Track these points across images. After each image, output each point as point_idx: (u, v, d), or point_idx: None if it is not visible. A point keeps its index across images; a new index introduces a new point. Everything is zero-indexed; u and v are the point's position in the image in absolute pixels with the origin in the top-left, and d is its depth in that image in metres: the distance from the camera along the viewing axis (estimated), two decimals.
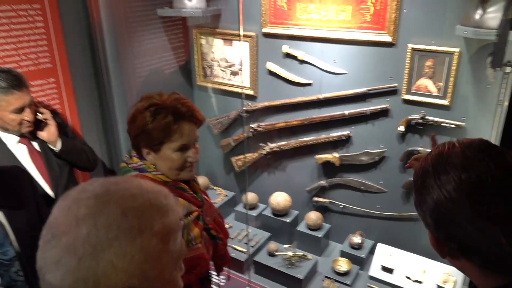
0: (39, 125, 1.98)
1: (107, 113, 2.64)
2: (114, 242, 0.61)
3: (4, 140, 1.87)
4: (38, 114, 1.96)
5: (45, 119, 1.98)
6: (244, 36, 2.80)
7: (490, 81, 2.10)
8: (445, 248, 0.80)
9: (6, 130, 1.86)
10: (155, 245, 0.65)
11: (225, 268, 1.87)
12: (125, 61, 2.68)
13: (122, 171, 1.53)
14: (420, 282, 2.38)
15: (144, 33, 2.79)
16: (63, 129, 2.15)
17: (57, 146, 2.00)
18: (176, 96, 1.50)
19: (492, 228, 0.71)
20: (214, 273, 1.84)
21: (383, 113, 2.48)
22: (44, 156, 1.96)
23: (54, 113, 2.15)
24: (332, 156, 2.67)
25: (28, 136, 1.95)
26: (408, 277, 2.42)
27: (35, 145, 1.98)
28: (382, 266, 2.50)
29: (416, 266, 2.45)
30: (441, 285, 2.31)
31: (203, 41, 3.06)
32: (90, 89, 2.55)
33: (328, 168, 2.77)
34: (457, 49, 2.15)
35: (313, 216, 2.73)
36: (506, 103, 1.42)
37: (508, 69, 1.81)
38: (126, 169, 1.51)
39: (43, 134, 1.96)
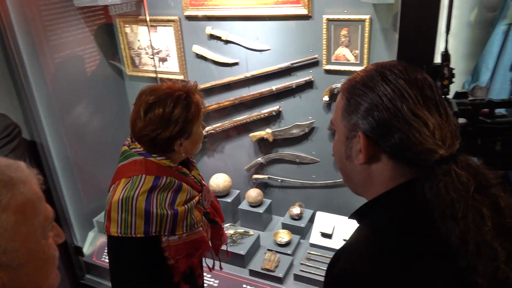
0: None
1: (29, 112, 2.54)
2: None
3: None
4: None
5: None
6: (168, 20, 2.77)
7: None
8: (371, 150, 0.83)
9: None
10: (7, 218, 0.66)
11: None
12: (43, 56, 2.58)
13: (125, 155, 1.48)
14: None
15: (63, 26, 2.69)
16: None
17: None
18: (169, 83, 1.48)
19: (416, 121, 0.77)
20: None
21: (308, 85, 2.53)
22: None
23: None
24: (265, 132, 2.72)
25: None
26: (345, 240, 2.52)
27: None
28: (321, 232, 2.60)
29: (352, 228, 2.55)
30: None
31: (127, 30, 3.00)
32: (7, 89, 2.45)
33: (263, 145, 2.81)
34: (367, 16, 2.23)
35: (253, 193, 2.78)
36: None
37: None
38: (129, 153, 1.48)
39: None
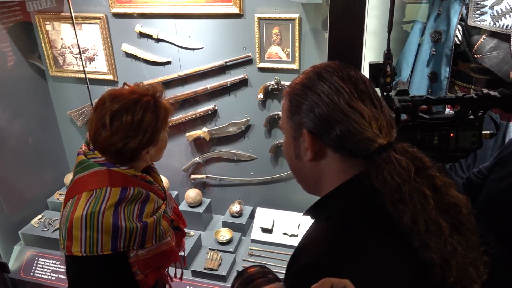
0: None
1: None
2: None
3: None
4: None
5: None
6: (93, 18, 2.64)
7: None
8: (317, 146, 0.86)
9: None
10: None
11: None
12: None
13: (83, 165, 1.34)
14: (296, 236, 2.57)
15: None
16: None
17: None
18: (132, 86, 1.39)
19: (353, 113, 0.82)
20: None
21: (243, 83, 2.56)
22: None
23: None
24: (202, 131, 2.70)
25: None
26: (285, 233, 2.60)
27: None
28: (261, 228, 2.65)
29: (291, 222, 2.64)
30: None
31: (48, 27, 2.81)
32: None
33: (200, 144, 2.79)
34: (296, 15, 2.29)
35: (192, 193, 2.75)
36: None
37: None
38: (88, 163, 1.34)
39: None
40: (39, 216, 2.90)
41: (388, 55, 1.20)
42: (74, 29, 2.42)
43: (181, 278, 1.77)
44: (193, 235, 2.63)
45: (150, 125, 1.31)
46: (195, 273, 2.44)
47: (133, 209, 1.33)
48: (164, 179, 2.78)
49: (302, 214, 0.97)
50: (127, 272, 1.35)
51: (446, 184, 0.80)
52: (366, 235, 0.78)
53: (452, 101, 1.22)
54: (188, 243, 2.55)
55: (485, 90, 1.18)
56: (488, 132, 1.20)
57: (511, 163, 1.21)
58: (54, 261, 2.68)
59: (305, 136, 0.86)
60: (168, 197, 1.56)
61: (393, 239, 0.78)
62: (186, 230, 2.62)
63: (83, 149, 1.40)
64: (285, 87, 0.96)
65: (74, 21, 2.40)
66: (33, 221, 2.86)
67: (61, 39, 2.81)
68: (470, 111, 1.18)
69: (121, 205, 1.30)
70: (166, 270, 1.63)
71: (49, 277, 2.65)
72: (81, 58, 2.62)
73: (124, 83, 1.41)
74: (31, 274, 2.68)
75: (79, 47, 2.60)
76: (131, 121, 1.28)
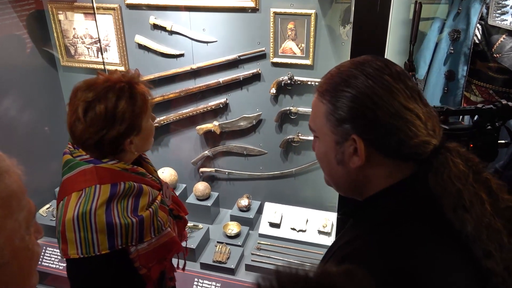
0: None
1: None
2: None
3: None
4: None
5: None
6: (106, 8, 2.63)
7: (344, 39, 2.30)
8: (368, 152, 0.79)
9: None
10: None
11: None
12: None
13: (70, 165, 1.28)
14: (304, 231, 2.58)
15: None
16: None
17: None
18: (106, 74, 1.32)
19: (410, 115, 0.76)
20: None
21: (256, 77, 2.56)
22: None
23: None
24: (213, 125, 2.70)
25: None
26: (293, 228, 2.61)
27: None
28: (269, 222, 2.65)
29: (299, 217, 2.64)
30: (321, 229, 2.54)
31: (61, 17, 2.80)
32: None
33: (210, 138, 2.79)
34: (312, 11, 2.29)
35: (201, 186, 2.76)
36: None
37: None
38: (74, 162, 1.28)
39: None
40: (47, 206, 2.90)
41: (410, 67, 1.19)
42: (95, 19, 2.44)
43: (183, 269, 1.72)
44: (202, 227, 2.64)
45: (126, 113, 1.24)
46: (204, 266, 2.45)
47: (127, 205, 1.29)
48: (172, 172, 2.81)
49: (338, 215, 0.93)
50: (129, 268, 1.32)
51: (500, 188, 0.77)
52: (425, 246, 0.74)
53: (472, 112, 1.24)
54: (197, 236, 2.55)
55: (504, 101, 1.21)
56: (503, 141, 1.24)
57: None
58: None
59: (356, 142, 0.78)
60: (164, 186, 1.51)
61: (453, 247, 0.75)
62: (194, 223, 2.66)
63: (68, 147, 1.33)
64: (314, 83, 0.88)
65: (88, 11, 2.41)
66: (41, 211, 2.86)
67: (74, 29, 2.81)
68: (488, 122, 1.20)
69: (113, 202, 1.26)
70: (171, 261, 1.60)
71: (57, 266, 2.65)
72: (101, 49, 2.64)
73: (98, 73, 1.34)
74: (39, 263, 2.67)
75: (99, 38, 2.61)
76: (105, 111, 1.22)
